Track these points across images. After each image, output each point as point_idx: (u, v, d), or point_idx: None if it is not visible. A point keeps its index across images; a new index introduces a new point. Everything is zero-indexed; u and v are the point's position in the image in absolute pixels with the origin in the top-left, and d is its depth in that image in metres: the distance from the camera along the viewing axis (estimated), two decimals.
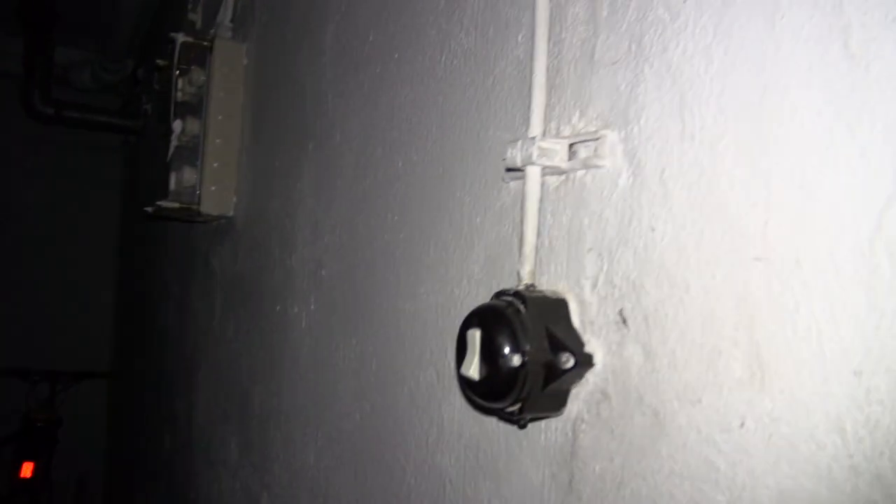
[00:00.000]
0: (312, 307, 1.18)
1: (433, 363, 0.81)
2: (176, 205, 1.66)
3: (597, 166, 0.57)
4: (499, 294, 0.61)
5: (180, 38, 1.67)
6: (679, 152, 0.50)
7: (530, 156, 0.59)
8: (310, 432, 1.16)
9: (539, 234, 0.62)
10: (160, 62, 1.88)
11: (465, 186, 0.77)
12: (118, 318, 4.75)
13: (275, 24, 1.55)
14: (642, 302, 0.52)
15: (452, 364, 0.77)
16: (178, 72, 1.70)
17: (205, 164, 1.65)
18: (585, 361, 0.56)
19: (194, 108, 1.72)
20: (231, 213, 1.70)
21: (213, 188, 1.67)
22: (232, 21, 1.78)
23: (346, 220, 1.08)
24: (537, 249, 0.62)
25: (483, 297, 0.72)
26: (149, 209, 1.83)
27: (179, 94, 1.72)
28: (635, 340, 0.53)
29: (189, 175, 1.70)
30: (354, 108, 1.08)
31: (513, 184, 0.68)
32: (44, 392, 4.02)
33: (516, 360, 0.55)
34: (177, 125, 1.67)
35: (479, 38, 0.77)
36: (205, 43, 1.68)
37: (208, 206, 1.66)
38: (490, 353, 0.57)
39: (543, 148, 0.59)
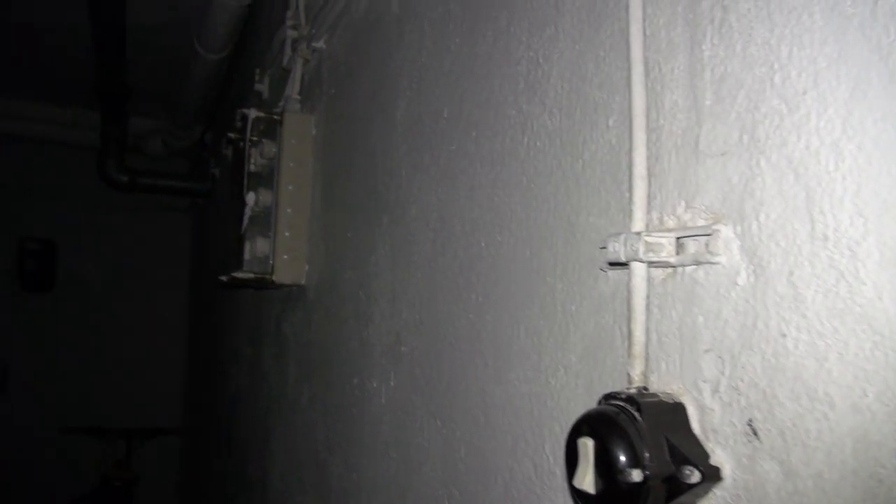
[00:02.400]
0: (392, 383, 1.17)
1: (529, 455, 0.77)
2: (251, 275, 1.69)
3: (710, 262, 0.54)
4: (608, 397, 0.58)
5: (252, 113, 1.72)
6: (809, 254, 0.47)
7: (636, 252, 0.57)
8: None
9: (646, 331, 0.59)
10: (231, 135, 1.94)
11: (557, 272, 0.75)
12: (189, 377, 4.86)
13: (343, 97, 1.58)
14: (776, 414, 0.48)
15: (552, 459, 0.73)
16: (249, 145, 1.75)
17: (277, 234, 1.68)
18: (712, 475, 0.52)
19: (266, 178, 1.76)
20: (303, 282, 1.72)
21: (285, 257, 1.69)
22: (299, 93, 1.83)
23: (425, 296, 1.07)
24: (645, 349, 0.59)
25: (583, 389, 0.69)
26: (223, 278, 1.87)
27: (252, 167, 1.76)
28: (770, 456, 0.48)
29: (262, 245, 1.73)
30: (430, 184, 1.08)
31: (612, 273, 0.66)
32: (120, 450, 4.12)
33: (636, 476, 0.51)
34: (250, 198, 1.71)
35: (564, 120, 0.76)
36: (275, 116, 1.73)
37: (281, 276, 1.68)
38: (606, 466, 0.53)
39: (650, 243, 0.56)
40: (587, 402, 0.67)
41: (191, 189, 3.99)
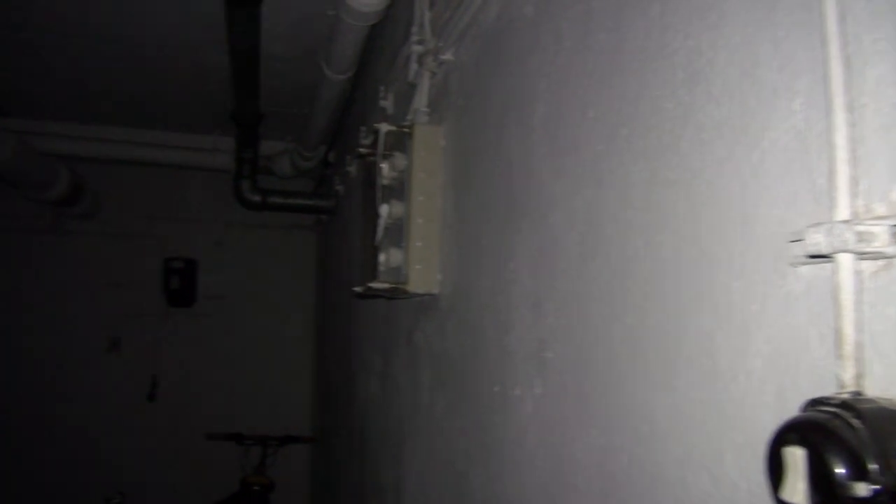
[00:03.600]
0: (538, 391, 1.14)
1: (705, 466, 0.73)
2: (386, 285, 1.72)
3: None
4: (814, 403, 0.53)
5: (384, 127, 1.77)
6: None
7: (845, 242, 0.51)
8: None
9: (859, 330, 0.53)
10: (362, 150, 2.01)
11: (732, 270, 0.70)
12: (318, 386, 5.06)
13: (473, 106, 1.59)
14: None
15: (735, 470, 0.68)
16: (381, 158, 1.79)
17: (410, 244, 1.71)
18: None
19: (397, 190, 1.80)
20: (436, 291, 1.73)
21: (418, 267, 1.71)
22: (427, 106, 1.86)
23: (572, 301, 1.04)
24: (857, 349, 0.53)
25: (771, 396, 0.64)
26: (358, 289, 1.92)
27: (384, 179, 1.81)
28: None
29: (395, 255, 1.77)
30: (575, 187, 1.05)
31: (805, 269, 0.60)
32: (256, 456, 4.33)
33: (862, 490, 0.46)
34: (383, 209, 1.75)
35: (734, 108, 0.71)
36: (405, 129, 1.77)
37: (415, 285, 1.71)
38: (820, 478, 0.48)
39: (861, 232, 0.51)
40: (779, 410, 0.61)
41: (316, 206, 4.18)
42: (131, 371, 5.01)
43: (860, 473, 0.46)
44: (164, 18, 2.77)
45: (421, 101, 1.85)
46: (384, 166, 1.81)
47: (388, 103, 2.45)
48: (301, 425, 5.05)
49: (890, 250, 0.51)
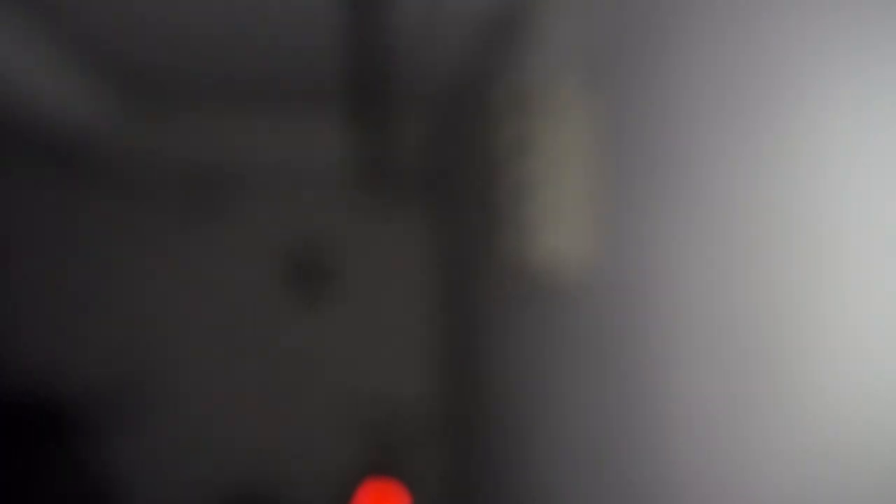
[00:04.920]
0: (701, 374, 1.04)
1: None
2: (523, 266, 1.66)
3: None
4: None
5: (518, 98, 1.70)
6: None
7: None
8: None
9: None
10: (493, 126, 1.95)
11: None
12: (442, 376, 5.08)
13: (612, 63, 1.49)
14: None
15: None
16: (515, 133, 1.73)
17: (545, 217, 1.63)
18: None
19: (529, 159, 1.73)
20: (574, 266, 1.65)
21: (558, 246, 1.64)
22: (562, 72, 1.77)
23: (752, 279, 0.93)
24: None
25: None
26: (492, 273, 1.87)
27: (518, 155, 1.74)
28: None
29: (533, 234, 1.70)
30: (750, 149, 0.94)
31: None
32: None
33: None
34: (518, 186, 1.68)
35: None
36: (539, 100, 1.69)
37: (550, 260, 1.63)
38: None
39: None
40: None
41: (433, 192, 4.17)
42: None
43: None
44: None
45: (549, 61, 1.77)
46: (518, 141, 1.74)
47: (520, 73, 2.38)
48: (431, 410, 5.10)
49: None
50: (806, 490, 0.79)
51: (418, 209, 5.21)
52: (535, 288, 1.99)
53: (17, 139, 4.15)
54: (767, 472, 0.88)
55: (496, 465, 2.61)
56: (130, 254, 4.96)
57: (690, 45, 1.12)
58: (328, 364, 5.19)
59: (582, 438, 1.60)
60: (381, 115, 3.54)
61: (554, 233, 1.64)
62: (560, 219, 1.64)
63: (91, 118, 3.57)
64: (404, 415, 4.58)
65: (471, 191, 2.94)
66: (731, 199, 0.98)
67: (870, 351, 0.69)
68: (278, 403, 5.02)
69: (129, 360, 4.70)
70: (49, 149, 4.29)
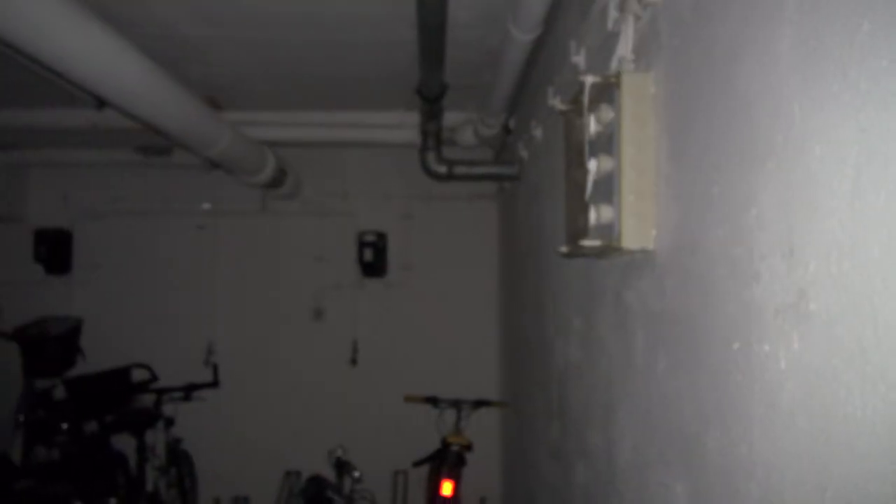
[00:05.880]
0: (796, 346, 1.04)
1: None
2: (597, 243, 1.67)
3: None
4: None
5: (589, 79, 1.70)
6: None
7: None
8: (808, 492, 1.00)
9: None
10: (561, 107, 1.96)
11: None
12: (504, 351, 5.14)
13: (689, 46, 1.47)
14: None
15: None
16: (587, 112, 1.73)
17: (622, 199, 1.64)
18: None
19: (605, 144, 1.73)
20: (651, 247, 1.65)
21: (631, 222, 1.64)
22: (632, 52, 1.76)
23: (845, 244, 0.92)
24: None
25: None
26: (563, 250, 1.89)
27: (590, 135, 1.75)
28: None
29: (606, 212, 1.71)
30: (843, 115, 0.93)
31: None
32: (450, 418, 4.51)
33: None
34: (592, 164, 1.69)
35: None
36: (612, 79, 1.69)
37: (629, 241, 1.64)
38: None
39: None
40: None
41: (500, 174, 4.19)
42: (334, 338, 5.43)
43: None
44: None
45: (626, 48, 1.76)
46: (590, 120, 1.75)
47: (580, 58, 2.37)
48: (490, 389, 5.18)
49: None
50: None
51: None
52: (623, 271, 1.99)
53: None
54: None
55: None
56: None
57: (771, 27, 1.10)
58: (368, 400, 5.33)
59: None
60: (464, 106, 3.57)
61: (640, 216, 1.64)
62: (644, 201, 1.64)
63: None
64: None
65: (555, 178, 2.95)
66: (827, 165, 0.97)
67: None
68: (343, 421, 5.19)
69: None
70: None
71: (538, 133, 3.26)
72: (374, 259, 5.30)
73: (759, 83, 1.16)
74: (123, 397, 4.64)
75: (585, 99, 1.71)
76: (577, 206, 1.86)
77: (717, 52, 1.33)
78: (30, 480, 3.53)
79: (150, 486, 4.50)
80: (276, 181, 4.80)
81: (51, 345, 4.67)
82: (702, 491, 1.39)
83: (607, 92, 1.72)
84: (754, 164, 1.17)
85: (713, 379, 1.34)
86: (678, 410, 1.51)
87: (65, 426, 4.39)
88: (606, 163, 1.70)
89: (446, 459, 4.07)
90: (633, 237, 1.65)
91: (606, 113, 1.73)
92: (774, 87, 1.11)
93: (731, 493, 1.25)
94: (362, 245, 5.32)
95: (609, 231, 1.70)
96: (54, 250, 5.35)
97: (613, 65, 1.82)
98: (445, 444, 4.14)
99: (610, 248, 1.69)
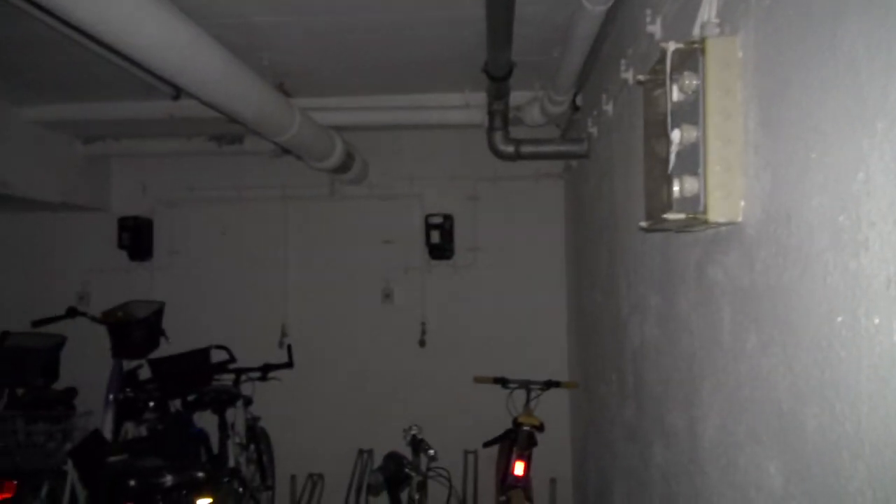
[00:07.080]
0: None
1: None
2: (682, 216, 1.62)
3: None
4: None
5: (671, 46, 1.64)
6: None
7: None
8: None
9: None
10: (640, 77, 1.90)
11: None
12: (572, 332, 5.09)
13: (787, 3, 1.40)
14: None
15: None
16: (670, 80, 1.67)
17: (707, 170, 1.58)
18: None
19: (688, 113, 1.67)
20: (739, 219, 1.59)
21: (717, 194, 1.58)
22: (717, 16, 1.69)
23: None
24: None
25: None
26: (644, 224, 1.84)
27: (673, 104, 1.69)
28: None
29: (690, 184, 1.64)
30: None
31: None
32: (520, 399, 4.51)
33: None
34: (675, 135, 1.64)
35: None
36: (695, 45, 1.62)
37: (715, 214, 1.58)
38: None
39: None
40: None
41: (568, 152, 4.12)
42: (403, 319, 5.49)
43: None
44: None
45: (710, 11, 1.69)
46: (672, 89, 1.68)
47: (656, 27, 2.29)
48: (560, 369, 5.14)
49: None
50: None
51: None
52: (707, 245, 1.93)
53: None
54: None
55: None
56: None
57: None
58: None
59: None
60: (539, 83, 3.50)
61: (727, 187, 1.58)
62: (731, 172, 1.58)
63: None
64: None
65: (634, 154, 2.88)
66: None
67: None
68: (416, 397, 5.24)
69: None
70: None
71: (609, 108, 3.18)
72: (440, 241, 5.31)
73: (867, 39, 1.09)
74: (204, 377, 4.83)
75: (668, 67, 1.65)
76: (658, 179, 1.80)
77: (817, 9, 1.25)
78: (122, 455, 3.73)
79: (231, 463, 4.69)
80: (344, 166, 4.86)
81: (136, 328, 4.90)
82: (799, 470, 1.33)
83: (690, 59, 1.66)
84: (862, 125, 1.10)
85: (812, 355, 1.28)
86: (771, 388, 1.46)
87: (151, 404, 4.62)
88: (690, 133, 1.64)
89: (517, 439, 4.07)
90: (720, 209, 1.59)
91: (690, 81, 1.66)
92: (884, 42, 1.04)
93: (834, 472, 1.20)
94: (429, 227, 5.34)
95: (694, 204, 1.64)
96: (136, 237, 5.60)
97: (696, 30, 1.75)
98: (517, 425, 4.14)
99: (695, 221, 1.64)
